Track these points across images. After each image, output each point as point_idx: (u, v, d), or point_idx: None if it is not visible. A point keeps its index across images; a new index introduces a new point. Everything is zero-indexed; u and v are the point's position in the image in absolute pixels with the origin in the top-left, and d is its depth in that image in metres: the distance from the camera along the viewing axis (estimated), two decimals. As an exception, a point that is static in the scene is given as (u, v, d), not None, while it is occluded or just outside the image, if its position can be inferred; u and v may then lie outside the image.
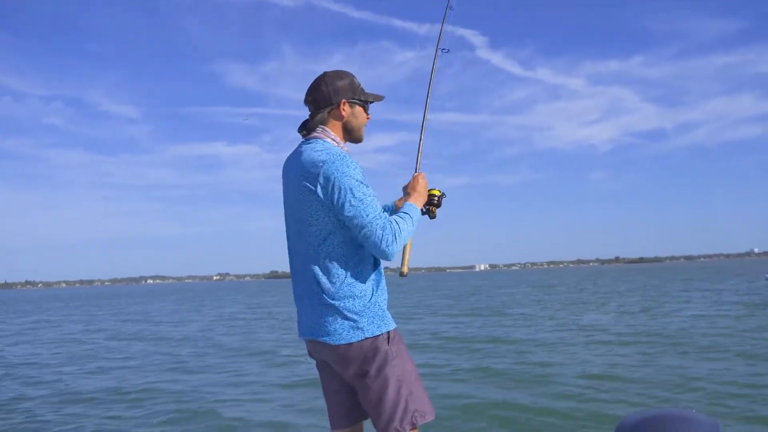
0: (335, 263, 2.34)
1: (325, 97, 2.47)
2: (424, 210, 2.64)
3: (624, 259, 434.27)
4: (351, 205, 2.27)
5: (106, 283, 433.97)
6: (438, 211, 2.71)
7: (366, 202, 2.29)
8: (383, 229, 2.29)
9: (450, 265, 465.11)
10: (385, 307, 2.43)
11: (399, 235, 2.33)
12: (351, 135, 2.55)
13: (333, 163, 2.31)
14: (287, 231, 2.53)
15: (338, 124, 2.50)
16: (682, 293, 26.42)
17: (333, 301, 2.32)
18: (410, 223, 2.42)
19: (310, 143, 2.45)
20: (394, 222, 2.35)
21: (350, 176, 2.30)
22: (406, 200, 2.58)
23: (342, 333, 2.31)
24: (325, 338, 2.34)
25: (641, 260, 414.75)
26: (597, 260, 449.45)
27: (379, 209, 2.32)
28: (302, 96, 2.56)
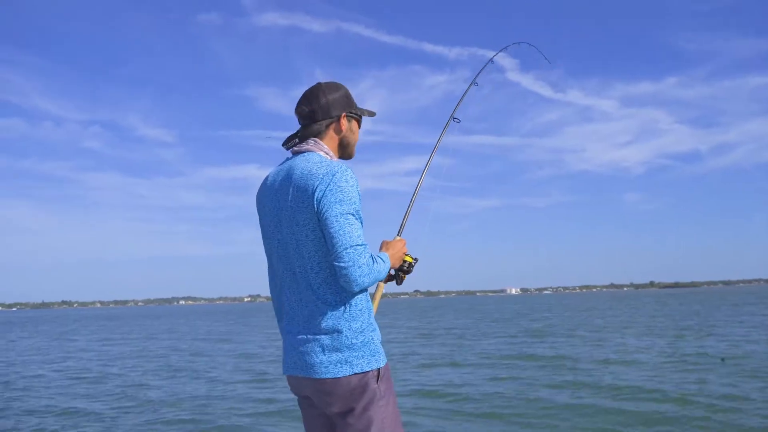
0: (329, 290, 2.17)
1: (324, 109, 2.31)
2: (393, 273, 2.57)
3: (659, 283, 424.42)
4: (338, 221, 2.09)
5: (140, 303, 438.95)
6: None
7: (354, 225, 2.12)
8: (363, 255, 2.09)
9: (480, 288, 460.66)
10: (379, 341, 2.25)
11: (374, 271, 2.12)
12: (345, 151, 2.41)
13: (334, 175, 2.14)
14: (270, 259, 2.34)
15: (335, 139, 2.36)
16: (749, 317, 25.88)
17: (324, 331, 2.14)
18: (383, 268, 2.20)
19: (303, 156, 2.28)
20: (373, 256, 2.17)
21: (349, 192, 2.14)
22: (382, 251, 2.43)
23: (329, 367, 2.13)
24: (309, 373, 2.15)
25: (677, 285, 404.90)
26: (631, 284, 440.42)
27: (363, 237, 2.14)
28: None
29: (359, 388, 2.14)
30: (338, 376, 2.12)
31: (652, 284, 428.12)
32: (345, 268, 2.06)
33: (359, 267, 2.07)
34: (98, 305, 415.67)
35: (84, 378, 12.28)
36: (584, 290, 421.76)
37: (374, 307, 2.46)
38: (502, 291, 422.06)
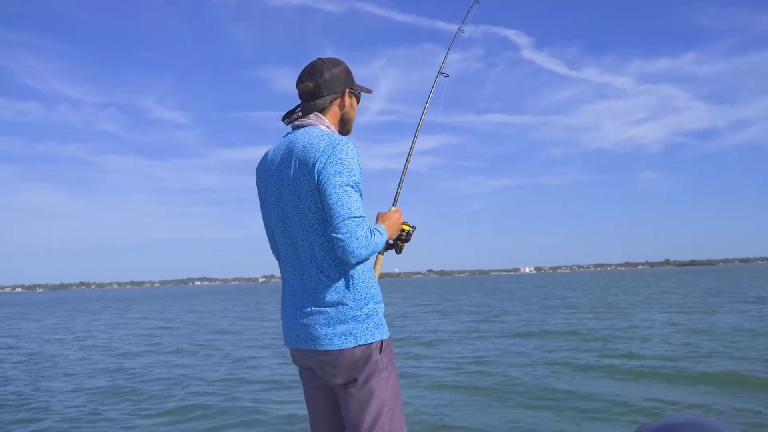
0: (332, 263, 2.16)
1: (329, 84, 2.30)
2: (392, 243, 2.56)
3: (675, 261, 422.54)
4: (337, 192, 2.08)
5: (156, 284, 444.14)
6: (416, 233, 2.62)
7: (353, 197, 2.10)
8: (361, 227, 2.08)
9: (494, 267, 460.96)
10: (382, 313, 2.25)
11: (371, 243, 2.11)
12: (345, 127, 2.41)
13: (335, 147, 2.14)
14: (272, 233, 2.34)
15: (337, 114, 2.36)
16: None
17: (328, 303, 2.15)
18: (380, 240, 2.19)
19: (305, 129, 2.27)
20: (371, 228, 2.16)
21: (349, 164, 2.13)
22: (378, 223, 2.41)
23: (333, 339, 2.13)
24: (314, 345, 2.16)
25: (693, 263, 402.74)
26: (646, 263, 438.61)
27: (362, 209, 2.13)
28: None
29: (363, 359, 2.16)
30: (343, 347, 2.13)
31: (667, 262, 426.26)
32: (342, 239, 2.06)
33: (356, 239, 2.06)
34: (115, 286, 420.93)
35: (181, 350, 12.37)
36: (599, 269, 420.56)
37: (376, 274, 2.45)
38: (516, 270, 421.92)
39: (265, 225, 2.37)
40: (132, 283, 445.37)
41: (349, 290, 2.15)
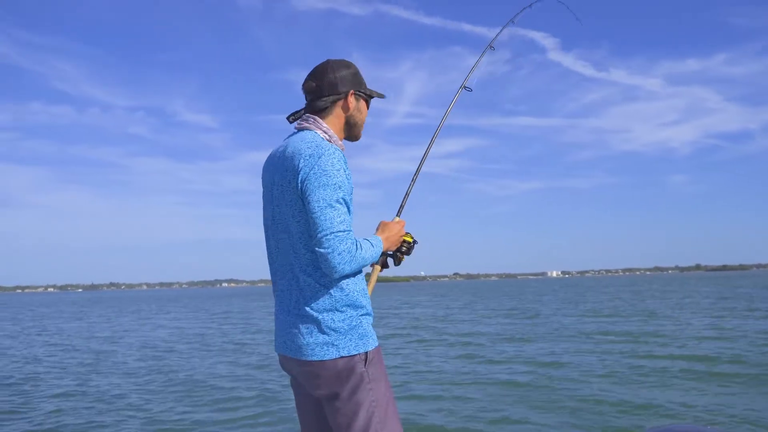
0: (317, 272, 2.10)
1: (332, 85, 2.23)
2: (391, 254, 2.48)
3: (706, 266, 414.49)
4: (320, 206, 2.02)
5: (184, 285, 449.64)
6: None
7: (337, 210, 2.04)
8: (344, 242, 2.02)
9: (521, 271, 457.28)
10: (370, 323, 2.18)
11: (356, 258, 2.06)
12: (352, 131, 2.32)
13: (320, 157, 2.06)
14: (266, 236, 2.29)
15: (341, 117, 2.27)
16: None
17: (311, 313, 2.09)
18: (370, 253, 2.14)
19: (300, 134, 2.21)
20: (358, 242, 2.10)
21: (334, 175, 2.05)
22: (376, 234, 2.35)
23: (315, 349, 2.08)
24: (297, 354, 2.12)
25: (725, 268, 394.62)
26: (676, 267, 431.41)
27: (348, 222, 2.07)
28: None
29: (345, 371, 2.09)
30: (324, 358, 2.08)
31: (698, 267, 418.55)
32: (324, 254, 2.01)
33: (339, 254, 2.01)
34: (144, 287, 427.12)
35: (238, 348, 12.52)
36: (627, 273, 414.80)
37: (369, 288, 2.37)
38: (543, 274, 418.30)
39: (264, 225, 2.32)
40: (161, 284, 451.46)
41: (333, 301, 2.09)
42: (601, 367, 8.84)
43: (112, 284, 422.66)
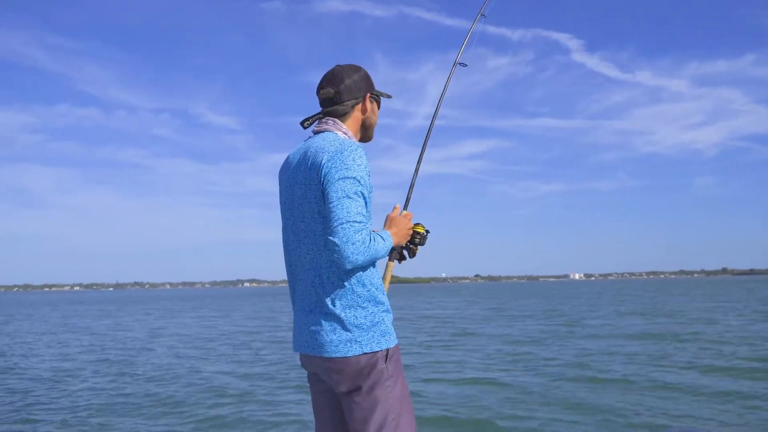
0: (339, 270, 2.13)
1: (350, 89, 2.30)
2: (404, 247, 2.47)
3: (732, 270, 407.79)
4: (337, 195, 2.05)
5: (206, 285, 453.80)
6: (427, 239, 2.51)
7: (354, 201, 2.07)
8: (359, 232, 2.03)
9: (543, 273, 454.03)
10: (390, 320, 2.22)
11: (369, 250, 2.06)
12: (367, 132, 2.40)
13: (342, 152, 2.12)
14: (285, 237, 2.32)
15: (359, 119, 2.34)
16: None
17: (334, 311, 2.12)
18: (381, 247, 2.13)
19: (321, 135, 2.27)
20: (372, 234, 2.11)
21: (355, 169, 2.10)
22: (385, 229, 2.35)
23: (339, 345, 2.12)
24: (319, 352, 2.15)
25: (752, 272, 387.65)
26: (702, 271, 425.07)
27: (365, 215, 2.08)
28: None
29: (368, 367, 2.14)
30: (347, 355, 2.12)
31: (724, 271, 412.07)
32: (337, 243, 2.02)
33: (352, 244, 2.02)
34: (168, 286, 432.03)
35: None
36: (651, 276, 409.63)
37: (385, 286, 2.39)
38: (565, 276, 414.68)
39: (282, 227, 2.35)
40: (184, 283, 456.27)
41: (356, 297, 2.13)
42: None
43: (136, 283, 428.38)
